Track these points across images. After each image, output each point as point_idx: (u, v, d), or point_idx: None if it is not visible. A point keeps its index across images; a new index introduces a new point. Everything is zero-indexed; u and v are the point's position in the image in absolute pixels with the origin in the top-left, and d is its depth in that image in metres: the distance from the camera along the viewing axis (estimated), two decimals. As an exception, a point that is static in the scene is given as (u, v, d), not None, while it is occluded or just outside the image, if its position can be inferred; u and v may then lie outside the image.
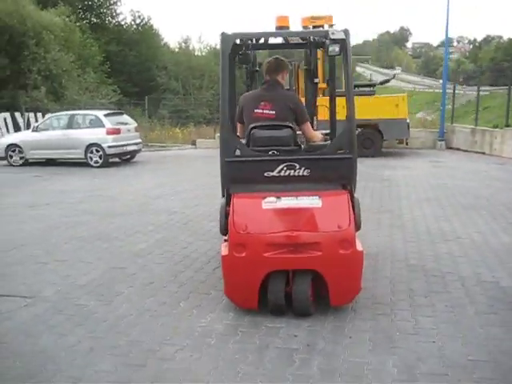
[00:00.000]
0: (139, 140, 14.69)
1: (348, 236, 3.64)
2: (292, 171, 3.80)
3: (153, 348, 3.41)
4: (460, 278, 4.59)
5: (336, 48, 3.80)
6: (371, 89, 14.94)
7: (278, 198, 3.75)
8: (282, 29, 4.60)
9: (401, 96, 14.94)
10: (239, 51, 4.55)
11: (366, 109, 12.55)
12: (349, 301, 3.90)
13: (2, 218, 7.71)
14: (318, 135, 4.35)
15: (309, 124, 4.27)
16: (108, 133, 13.37)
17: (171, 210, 7.94)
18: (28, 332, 3.72)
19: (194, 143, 19.00)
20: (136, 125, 14.85)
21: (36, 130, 14.20)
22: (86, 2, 37.89)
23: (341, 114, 4.43)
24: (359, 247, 3.74)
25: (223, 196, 4.10)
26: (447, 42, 19.34)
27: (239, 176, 3.89)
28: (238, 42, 4.30)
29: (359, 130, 13.17)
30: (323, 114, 5.82)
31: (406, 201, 8.29)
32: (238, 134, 4.33)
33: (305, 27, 4.36)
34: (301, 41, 5.02)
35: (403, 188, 9.52)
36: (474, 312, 3.87)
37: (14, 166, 14.15)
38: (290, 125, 3.94)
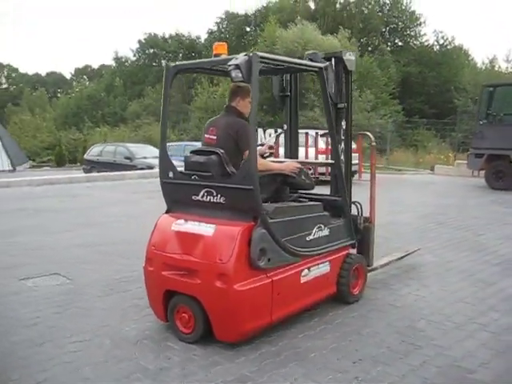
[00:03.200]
0: (355, 161, 14.44)
1: (226, 270, 3.51)
2: (211, 197, 3.86)
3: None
4: None
5: (238, 74, 3.58)
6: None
7: (186, 221, 3.88)
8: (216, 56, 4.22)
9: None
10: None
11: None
12: (232, 339, 3.65)
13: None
14: (263, 165, 4.07)
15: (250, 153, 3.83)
16: (320, 153, 13.62)
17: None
18: None
19: (432, 169, 17.72)
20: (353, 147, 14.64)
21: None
22: (390, 26, 38.89)
23: None
24: (242, 286, 3.51)
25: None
26: None
27: (173, 197, 4.17)
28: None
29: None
30: None
31: None
32: None
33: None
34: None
35: None
36: None
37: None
38: (218, 151, 3.87)
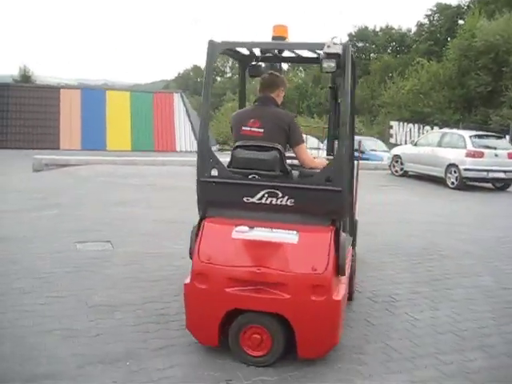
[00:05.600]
0: (512, 168, 12.85)
1: (323, 281, 3.21)
2: (274, 199, 3.39)
3: None
4: None
5: (332, 64, 3.33)
6: None
7: (252, 227, 3.40)
8: (278, 39, 4.17)
9: None
10: (249, 62, 4.43)
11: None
12: (320, 355, 3.40)
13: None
14: (313, 161, 3.84)
15: (303, 147, 3.77)
16: (467, 155, 12.52)
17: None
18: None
19: None
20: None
21: (415, 144, 14.63)
22: None
23: None
24: (337, 296, 3.29)
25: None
26: None
27: (215, 198, 3.54)
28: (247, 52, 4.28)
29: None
30: None
31: None
32: None
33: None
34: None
35: None
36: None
37: (394, 175, 15.09)
38: (278, 147, 3.51)
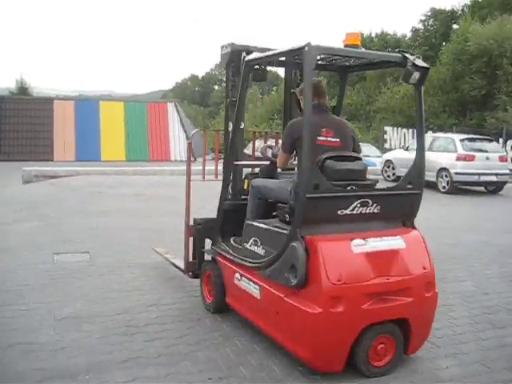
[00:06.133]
0: (505, 171, 12.77)
1: (431, 277, 3.50)
2: (365, 208, 3.41)
3: None
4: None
5: (417, 76, 3.48)
6: None
7: (365, 239, 3.33)
8: (351, 47, 3.80)
9: None
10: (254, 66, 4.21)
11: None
12: (421, 346, 3.60)
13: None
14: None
15: None
16: (458, 158, 12.47)
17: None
18: None
19: None
20: (503, 154, 12.97)
21: (407, 149, 14.57)
22: None
23: None
24: (436, 288, 3.56)
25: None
26: None
27: (315, 214, 3.32)
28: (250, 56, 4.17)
29: None
30: None
31: None
32: (278, 164, 4.09)
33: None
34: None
35: None
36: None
37: (387, 180, 15.03)
38: (360, 156, 3.71)
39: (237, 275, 3.92)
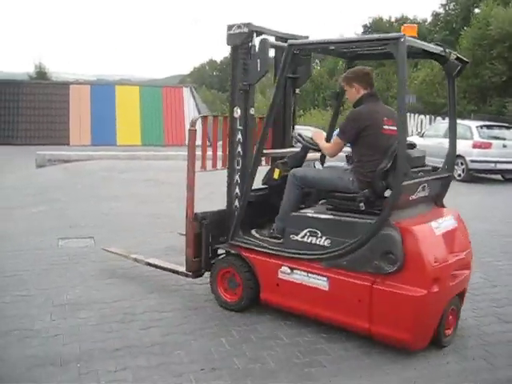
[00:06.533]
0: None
1: (471, 253, 3.93)
2: (423, 192, 3.75)
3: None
4: None
5: (457, 66, 3.87)
6: None
7: (436, 221, 3.64)
8: None
9: None
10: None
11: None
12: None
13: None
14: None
15: None
16: (474, 146, 12.17)
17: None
18: None
19: None
20: (521, 141, 12.63)
21: (422, 135, 14.29)
22: None
23: None
24: None
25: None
26: None
27: (399, 201, 3.48)
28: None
29: None
30: None
31: None
32: (330, 152, 4.02)
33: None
34: None
35: None
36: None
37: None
38: (415, 143, 4.02)
39: (284, 269, 3.79)
